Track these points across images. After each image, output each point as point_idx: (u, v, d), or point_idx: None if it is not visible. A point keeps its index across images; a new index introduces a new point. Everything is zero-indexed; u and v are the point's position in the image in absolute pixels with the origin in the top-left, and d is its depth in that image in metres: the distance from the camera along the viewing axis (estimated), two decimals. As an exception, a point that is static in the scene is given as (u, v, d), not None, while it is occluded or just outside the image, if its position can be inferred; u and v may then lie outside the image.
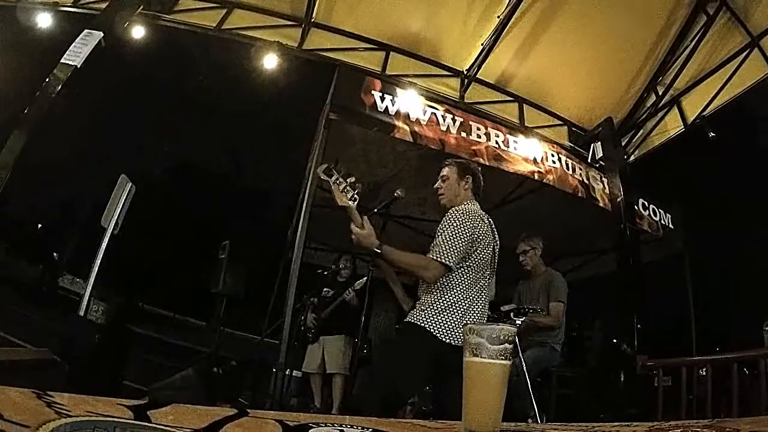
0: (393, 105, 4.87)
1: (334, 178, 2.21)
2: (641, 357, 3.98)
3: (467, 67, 5.64)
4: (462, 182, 2.42)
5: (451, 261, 2.15)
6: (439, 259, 2.15)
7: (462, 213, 2.25)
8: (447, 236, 2.18)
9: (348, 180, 2.25)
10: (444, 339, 2.11)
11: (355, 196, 2.25)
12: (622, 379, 4.42)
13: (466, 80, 5.69)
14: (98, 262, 5.09)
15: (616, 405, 4.24)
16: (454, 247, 2.16)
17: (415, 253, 2.31)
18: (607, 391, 4.79)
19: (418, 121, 4.93)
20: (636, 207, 5.81)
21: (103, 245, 5.10)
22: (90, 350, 3.90)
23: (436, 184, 2.48)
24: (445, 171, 2.47)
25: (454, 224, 2.21)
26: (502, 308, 3.57)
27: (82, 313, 4.80)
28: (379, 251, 2.15)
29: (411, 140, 4.87)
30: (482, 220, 2.29)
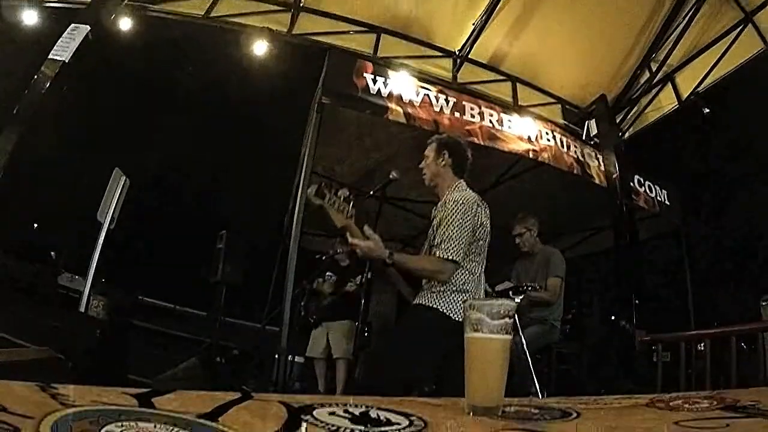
0: (385, 87, 4.86)
1: (326, 199, 2.14)
2: (640, 332, 4.02)
3: (459, 48, 5.60)
4: (439, 159, 2.36)
5: (460, 257, 2.15)
6: (451, 259, 2.13)
7: (460, 204, 2.22)
8: (452, 232, 2.15)
9: (341, 195, 2.19)
10: (456, 318, 2.11)
11: (351, 211, 2.19)
12: (620, 354, 4.47)
13: (458, 60, 5.65)
14: (96, 257, 5.09)
15: (615, 380, 4.29)
16: (460, 242, 2.15)
17: (421, 256, 2.30)
18: (606, 367, 4.84)
19: (411, 102, 4.92)
20: (632, 184, 5.83)
21: (100, 240, 5.09)
22: (92, 346, 3.91)
23: (421, 164, 2.44)
24: (426, 150, 2.44)
25: (456, 218, 2.18)
26: (497, 288, 3.58)
27: (82, 309, 4.81)
28: (390, 262, 2.12)
29: (404, 122, 4.87)
30: (479, 205, 2.27)
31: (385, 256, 2.11)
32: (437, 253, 2.16)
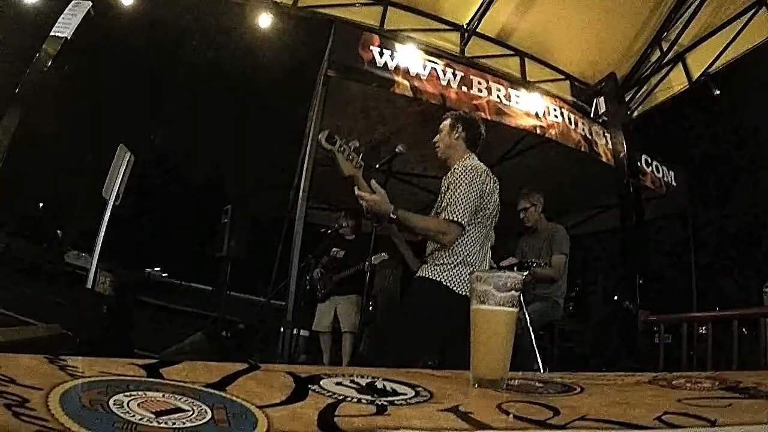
0: (392, 60, 4.80)
1: (337, 146, 2.12)
2: (643, 312, 4.03)
3: (467, 21, 5.51)
4: (453, 132, 2.37)
5: (465, 220, 2.13)
6: (456, 220, 2.12)
7: (469, 169, 2.21)
8: (459, 195, 2.14)
9: (352, 145, 2.18)
10: (460, 292, 2.11)
11: (360, 162, 2.18)
12: (623, 334, 4.50)
13: (466, 34, 5.56)
14: (102, 234, 5.12)
15: (617, 359, 4.32)
16: (467, 206, 2.13)
17: (424, 215, 2.28)
18: (608, 346, 4.88)
19: (418, 76, 4.86)
20: (639, 163, 5.78)
21: (106, 217, 5.11)
22: (99, 322, 3.96)
23: (435, 138, 2.44)
24: (441, 124, 2.44)
25: (464, 182, 2.16)
26: (501, 263, 3.57)
27: (89, 286, 4.86)
28: (395, 217, 2.09)
29: (411, 95, 4.82)
30: (488, 174, 2.26)
31: (390, 212, 2.09)
32: (443, 215, 2.15)
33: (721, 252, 10.57)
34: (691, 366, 3.21)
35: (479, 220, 2.22)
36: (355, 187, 2.15)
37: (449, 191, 2.18)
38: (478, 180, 2.19)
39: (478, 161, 2.33)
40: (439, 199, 2.27)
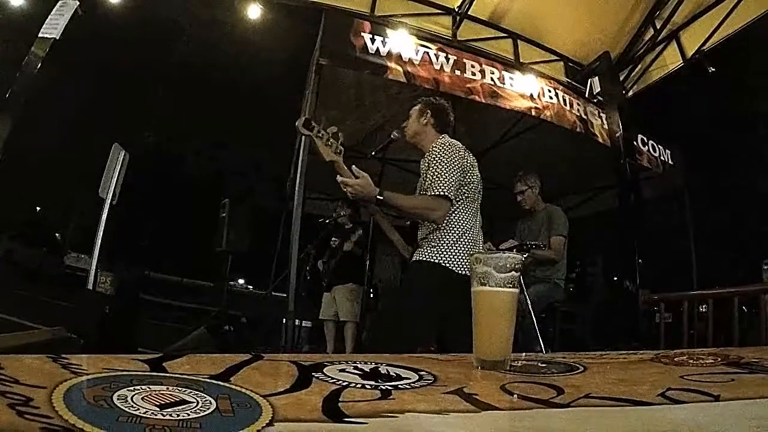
0: (384, 46, 4.77)
1: (315, 131, 2.12)
2: (643, 292, 4.04)
3: (458, 4, 5.43)
4: (422, 118, 2.38)
5: (452, 194, 2.13)
6: (443, 194, 2.11)
7: (446, 146, 2.21)
8: (441, 170, 2.14)
9: (330, 131, 2.17)
10: (459, 271, 2.11)
11: (340, 147, 2.17)
12: (624, 314, 4.52)
13: (457, 17, 5.50)
14: (100, 234, 5.10)
15: (618, 340, 4.35)
16: (451, 180, 2.13)
17: (413, 195, 2.28)
18: (609, 326, 4.91)
19: (410, 61, 4.84)
20: (635, 143, 5.76)
21: (104, 217, 5.09)
22: (102, 322, 3.97)
23: (404, 123, 2.46)
24: (411, 110, 2.46)
25: (444, 158, 2.16)
26: (501, 246, 3.58)
27: (90, 287, 4.85)
28: (381, 198, 2.09)
29: (404, 81, 4.81)
30: (465, 150, 2.27)
31: (376, 194, 2.09)
32: (429, 192, 2.15)
33: (719, 229, 10.59)
34: (692, 345, 3.22)
35: (467, 194, 2.22)
36: (338, 175, 2.15)
37: (431, 169, 2.17)
38: (456, 155, 2.19)
39: (453, 140, 2.32)
40: (420, 179, 2.27)
